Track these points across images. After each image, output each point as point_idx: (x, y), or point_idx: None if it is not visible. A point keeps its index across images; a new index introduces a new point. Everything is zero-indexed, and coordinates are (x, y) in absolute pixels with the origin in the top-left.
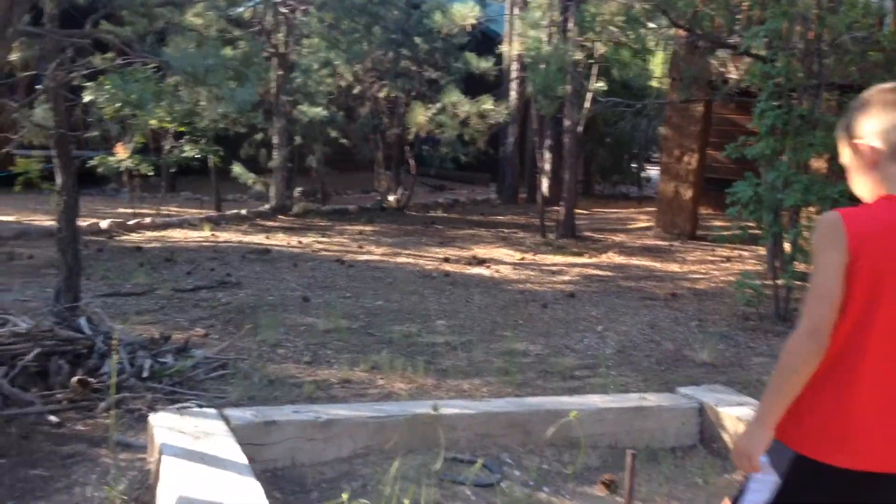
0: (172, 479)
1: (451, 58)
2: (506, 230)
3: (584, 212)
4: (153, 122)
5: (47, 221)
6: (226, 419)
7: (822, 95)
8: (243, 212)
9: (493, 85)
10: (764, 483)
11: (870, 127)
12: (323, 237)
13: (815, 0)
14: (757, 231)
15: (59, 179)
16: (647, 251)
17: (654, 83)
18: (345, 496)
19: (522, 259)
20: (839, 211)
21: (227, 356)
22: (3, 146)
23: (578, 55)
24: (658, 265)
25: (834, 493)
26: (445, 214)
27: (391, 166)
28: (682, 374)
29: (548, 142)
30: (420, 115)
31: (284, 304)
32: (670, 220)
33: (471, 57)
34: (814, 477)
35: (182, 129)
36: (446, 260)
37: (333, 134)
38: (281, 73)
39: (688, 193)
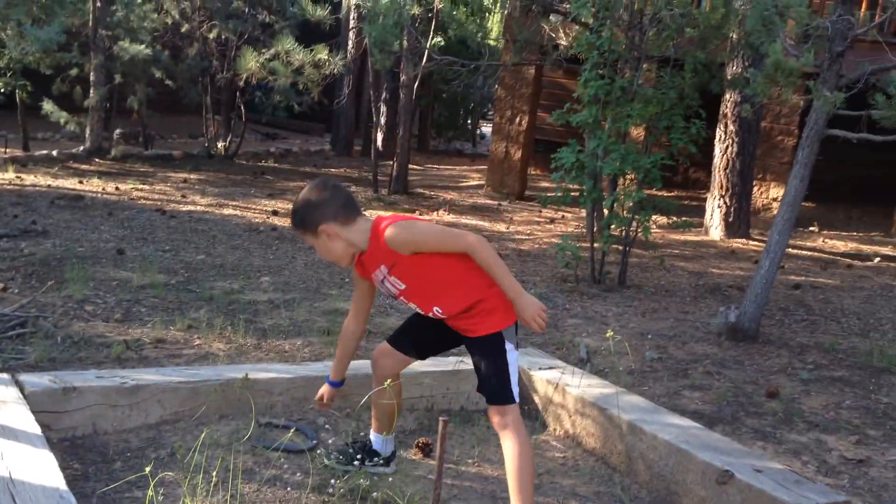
0: None
1: (287, 2)
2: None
3: (419, 167)
4: None
5: None
6: (19, 385)
7: (642, 68)
8: (54, 153)
9: (330, 33)
10: (512, 354)
11: None
12: (143, 184)
13: None
14: (578, 195)
15: None
16: (476, 210)
17: (490, 42)
18: (147, 468)
19: None
20: None
21: (28, 313)
22: None
23: (416, 10)
24: (486, 224)
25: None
26: (277, 164)
27: (220, 112)
28: None
29: (384, 95)
30: (251, 61)
31: (96, 257)
32: (500, 180)
33: (307, 3)
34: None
35: None
36: (275, 213)
37: (158, 74)
38: (98, 5)
39: (517, 154)
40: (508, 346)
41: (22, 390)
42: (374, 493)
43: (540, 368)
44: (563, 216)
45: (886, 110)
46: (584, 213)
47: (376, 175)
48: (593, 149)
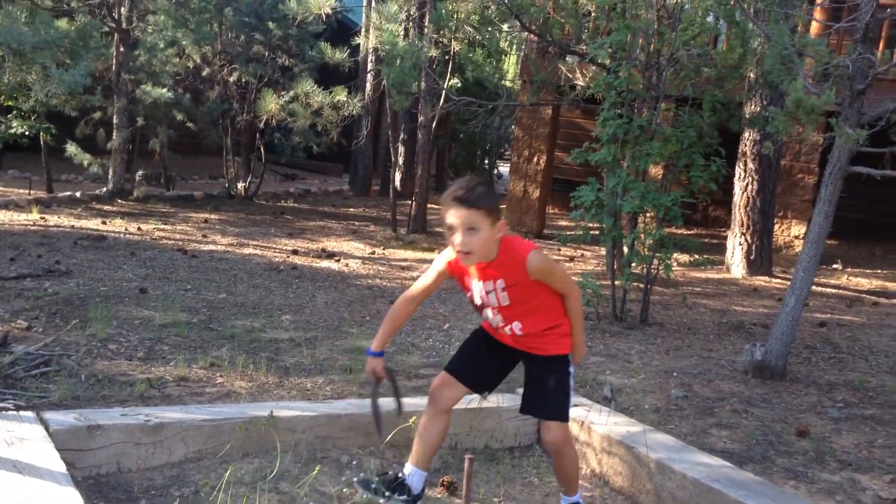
0: None
1: (306, 45)
2: (357, 223)
3: (437, 206)
4: None
5: None
6: (44, 423)
7: (660, 107)
8: (77, 194)
9: (348, 76)
10: (571, 378)
11: None
12: (165, 224)
13: (656, 16)
14: (598, 233)
15: None
16: None
17: (507, 83)
18: None
19: (373, 253)
20: None
21: (52, 352)
22: None
23: (434, 52)
24: None
25: None
26: (296, 205)
27: (240, 153)
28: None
29: (402, 136)
30: (271, 103)
31: (119, 296)
32: (518, 219)
33: (325, 47)
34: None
35: (10, 103)
36: (295, 252)
37: (179, 117)
38: (122, 49)
39: (536, 193)
40: (571, 370)
41: (47, 428)
42: None
43: None
44: (582, 254)
45: None
46: (603, 251)
47: (395, 215)
48: (613, 187)
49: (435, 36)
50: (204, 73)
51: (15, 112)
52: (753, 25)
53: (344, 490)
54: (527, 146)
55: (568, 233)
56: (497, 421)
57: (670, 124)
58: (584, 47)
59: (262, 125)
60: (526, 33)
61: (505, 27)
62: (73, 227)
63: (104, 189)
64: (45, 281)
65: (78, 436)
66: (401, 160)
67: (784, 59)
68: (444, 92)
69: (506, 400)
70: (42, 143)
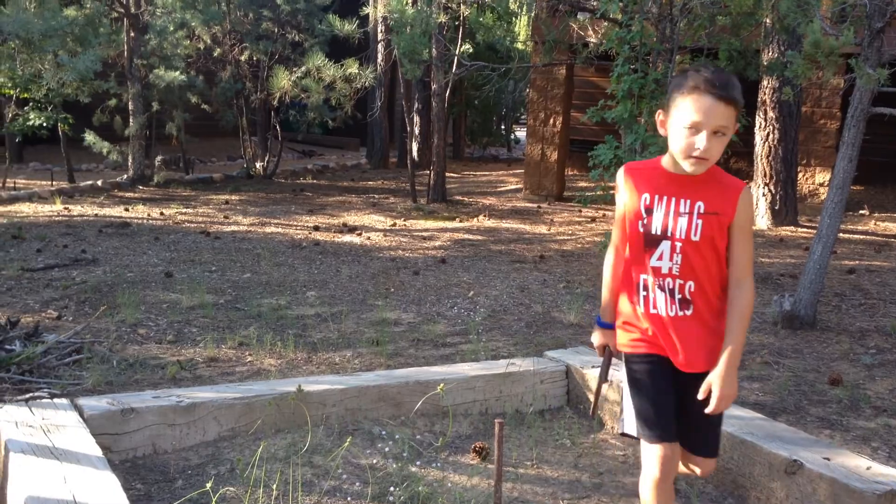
0: (20, 478)
1: (315, 19)
2: (377, 196)
3: (455, 175)
4: None
5: None
6: (79, 409)
7: (675, 59)
8: (99, 183)
9: (359, 47)
10: None
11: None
12: (186, 208)
13: None
14: None
15: None
16: (516, 213)
17: (519, 45)
18: (208, 484)
19: (394, 225)
20: None
21: (83, 339)
22: None
23: (443, 18)
24: (527, 227)
25: None
26: (315, 181)
27: (257, 132)
28: (551, 336)
29: (416, 105)
30: (284, 80)
31: (145, 281)
32: (538, 182)
33: (334, 19)
34: None
35: (26, 95)
36: (316, 228)
37: (194, 99)
38: (133, 35)
39: (554, 155)
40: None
41: (81, 414)
42: (434, 501)
43: (593, 367)
44: (603, 214)
45: None
46: None
47: (414, 185)
48: (631, 144)
49: (444, 1)
50: (215, 54)
51: (32, 104)
52: None
53: (376, 461)
54: (542, 108)
55: (588, 193)
56: (526, 385)
57: None
58: (595, 2)
59: (276, 103)
60: None
61: None
62: (96, 215)
63: (125, 176)
64: (72, 270)
65: (112, 420)
66: (416, 130)
67: (800, 1)
68: (455, 58)
69: (533, 364)
70: (61, 133)
